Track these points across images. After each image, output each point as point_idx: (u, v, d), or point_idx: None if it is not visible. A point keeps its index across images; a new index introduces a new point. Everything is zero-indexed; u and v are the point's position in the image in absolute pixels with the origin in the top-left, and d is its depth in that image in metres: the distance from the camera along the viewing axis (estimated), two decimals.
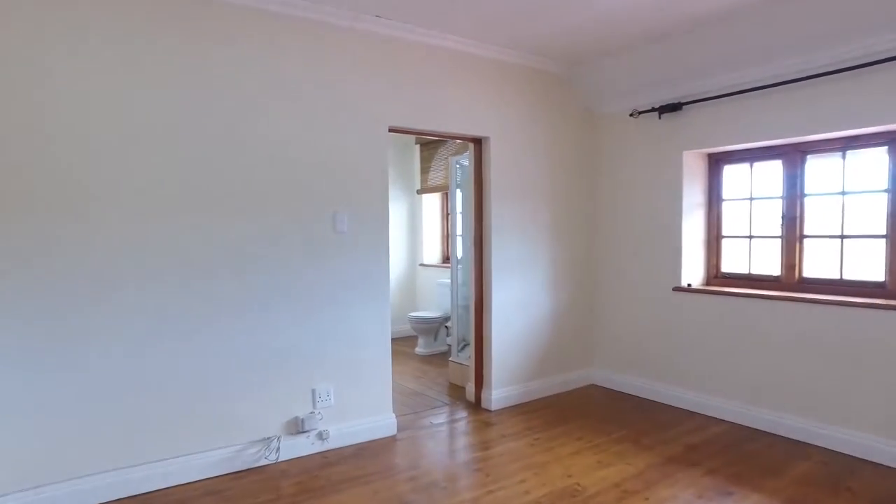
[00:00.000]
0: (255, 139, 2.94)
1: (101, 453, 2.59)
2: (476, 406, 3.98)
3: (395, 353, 5.79)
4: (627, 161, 4.22)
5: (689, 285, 3.88)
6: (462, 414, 3.83)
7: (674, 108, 3.80)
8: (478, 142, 3.94)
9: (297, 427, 3.09)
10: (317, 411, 3.15)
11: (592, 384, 4.49)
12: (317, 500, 2.59)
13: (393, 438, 3.37)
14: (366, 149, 3.30)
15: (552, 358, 4.26)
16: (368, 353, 3.34)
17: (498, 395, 3.94)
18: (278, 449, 3.01)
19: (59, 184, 2.48)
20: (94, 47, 2.53)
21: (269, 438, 3.00)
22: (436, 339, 5.81)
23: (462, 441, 3.40)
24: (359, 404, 3.32)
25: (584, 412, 3.81)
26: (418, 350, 5.79)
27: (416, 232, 6.82)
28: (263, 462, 2.98)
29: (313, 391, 3.15)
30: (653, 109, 3.92)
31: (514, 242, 4.01)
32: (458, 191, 4.70)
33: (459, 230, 4.70)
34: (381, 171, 3.37)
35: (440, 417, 3.76)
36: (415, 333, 5.89)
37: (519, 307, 4.04)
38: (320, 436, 3.15)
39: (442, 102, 3.60)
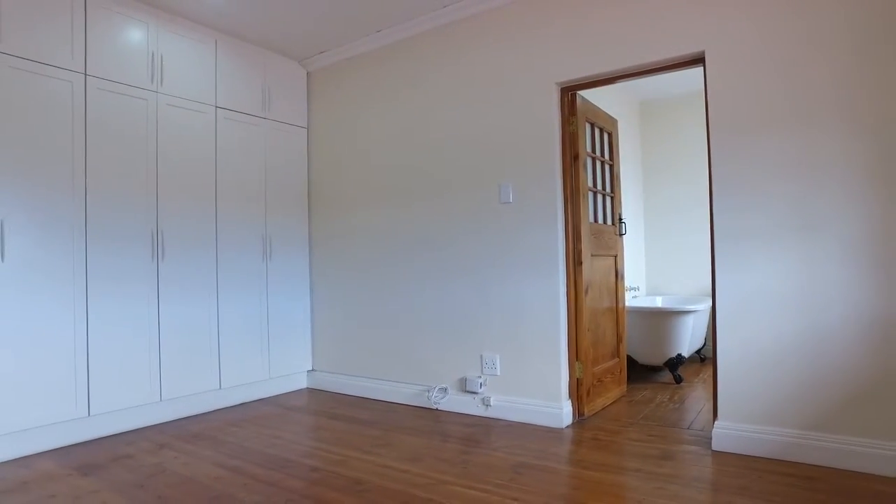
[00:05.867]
0: (433, 131, 3.56)
1: (349, 363, 3.95)
2: (709, 439, 2.75)
3: None
4: None
5: None
6: (671, 440, 2.79)
7: None
8: (699, 63, 2.75)
9: (463, 386, 3.40)
10: (482, 377, 3.32)
11: None
12: (389, 435, 2.98)
13: (551, 429, 3.03)
14: (529, 116, 3.17)
15: (876, 403, 2.30)
16: (535, 332, 3.16)
17: (725, 430, 2.61)
18: (437, 397, 3.48)
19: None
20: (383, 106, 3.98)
21: (440, 388, 3.48)
22: None
23: (595, 457, 2.60)
24: (524, 382, 3.20)
25: None
26: None
27: None
28: (430, 405, 3.52)
29: (481, 357, 3.35)
30: None
31: (764, 198, 2.54)
32: None
33: None
34: (548, 139, 3.12)
35: (636, 435, 2.90)
36: None
37: (772, 302, 2.52)
38: (484, 402, 3.30)
39: (625, 24, 2.89)
